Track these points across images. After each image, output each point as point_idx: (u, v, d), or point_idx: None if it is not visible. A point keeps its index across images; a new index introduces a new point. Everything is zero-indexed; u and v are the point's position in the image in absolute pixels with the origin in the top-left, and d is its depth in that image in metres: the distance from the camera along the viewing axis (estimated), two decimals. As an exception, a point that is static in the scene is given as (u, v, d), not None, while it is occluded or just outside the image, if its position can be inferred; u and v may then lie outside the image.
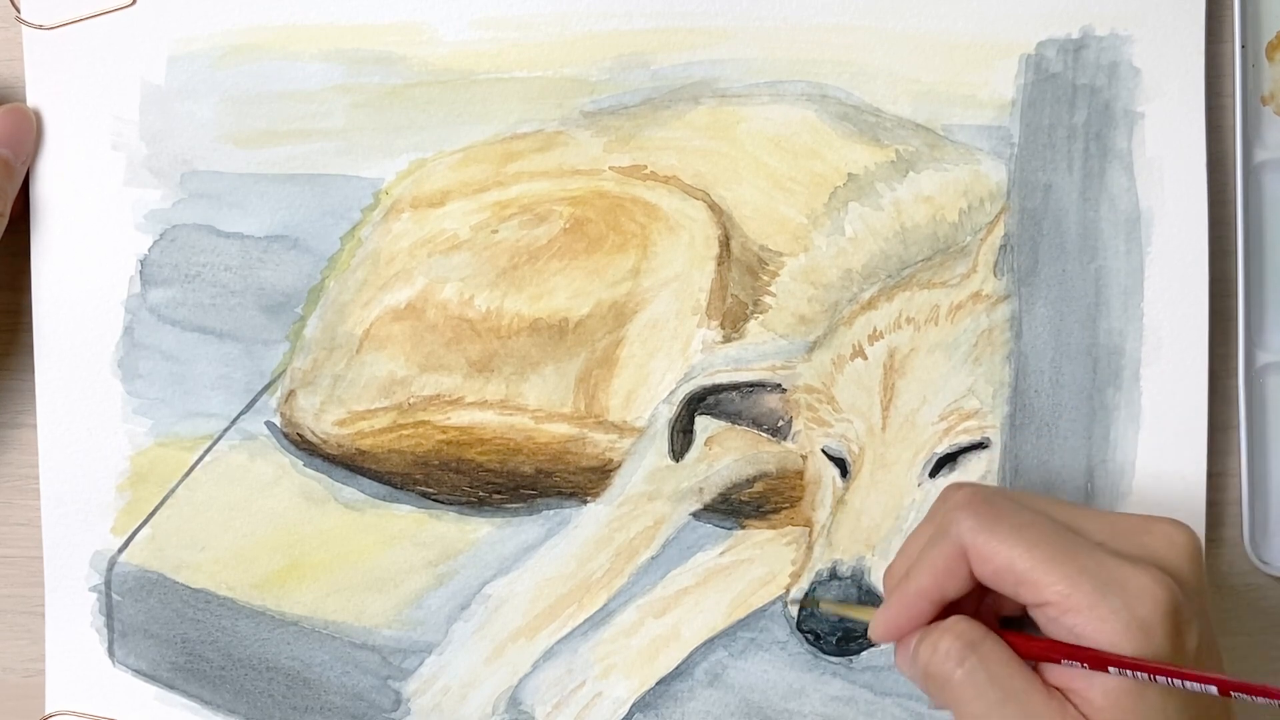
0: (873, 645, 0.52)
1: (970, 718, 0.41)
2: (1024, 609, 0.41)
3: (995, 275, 0.52)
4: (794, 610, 0.52)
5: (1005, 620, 0.44)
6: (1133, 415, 0.51)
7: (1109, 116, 0.51)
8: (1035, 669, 0.41)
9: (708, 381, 0.52)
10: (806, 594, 0.51)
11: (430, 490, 0.53)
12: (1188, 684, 0.38)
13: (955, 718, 0.42)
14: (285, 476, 0.53)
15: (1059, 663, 0.40)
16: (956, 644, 0.41)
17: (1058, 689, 0.40)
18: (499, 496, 0.53)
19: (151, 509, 0.53)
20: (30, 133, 0.52)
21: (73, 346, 0.53)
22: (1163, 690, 0.39)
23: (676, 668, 0.52)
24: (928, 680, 0.42)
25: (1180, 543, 0.41)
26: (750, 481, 0.52)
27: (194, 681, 0.53)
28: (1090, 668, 0.39)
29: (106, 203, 0.53)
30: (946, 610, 0.43)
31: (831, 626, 0.51)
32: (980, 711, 0.41)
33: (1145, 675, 0.38)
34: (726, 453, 0.52)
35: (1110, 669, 0.38)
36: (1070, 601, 0.39)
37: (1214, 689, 0.37)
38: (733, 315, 0.52)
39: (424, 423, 0.52)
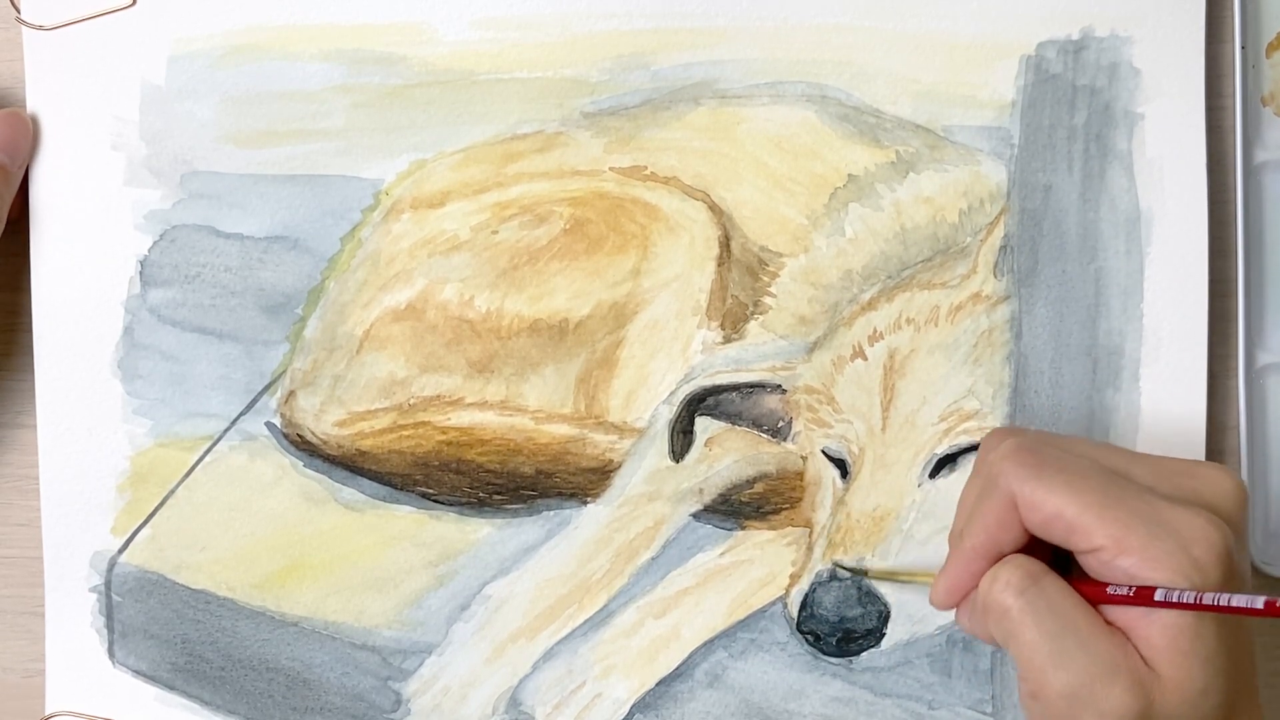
0: (874, 646, 0.52)
1: (1027, 646, 0.41)
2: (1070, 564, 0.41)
3: (995, 276, 0.52)
4: (840, 577, 0.51)
5: None
6: (1132, 416, 0.51)
7: (1109, 117, 0.51)
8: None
9: (708, 382, 0.52)
10: (849, 566, 0.51)
11: (430, 491, 0.53)
12: (1233, 602, 0.37)
13: (1013, 651, 0.41)
14: (285, 477, 0.53)
15: (1116, 602, 0.40)
16: (1017, 574, 0.41)
17: (1119, 629, 0.40)
18: (499, 497, 0.53)
19: (152, 509, 0.53)
20: (27, 138, 0.52)
21: (73, 346, 0.53)
22: (1219, 631, 0.39)
23: (676, 668, 0.52)
24: (987, 613, 0.42)
25: (1228, 488, 0.41)
26: (750, 482, 0.52)
27: (194, 682, 0.53)
28: (1144, 604, 0.39)
29: (106, 203, 0.53)
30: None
31: (832, 627, 0.51)
32: (1037, 640, 0.40)
33: (1195, 602, 0.38)
34: (727, 453, 0.52)
35: (1162, 598, 0.38)
36: (1123, 545, 0.39)
37: (1260, 604, 0.37)
38: (733, 316, 0.52)
39: (424, 423, 0.53)
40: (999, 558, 0.42)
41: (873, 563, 0.51)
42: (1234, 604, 0.38)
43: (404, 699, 0.53)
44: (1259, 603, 0.37)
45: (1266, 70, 0.52)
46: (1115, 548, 0.39)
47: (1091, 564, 0.40)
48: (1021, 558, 0.42)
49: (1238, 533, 0.41)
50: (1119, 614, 0.40)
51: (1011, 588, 0.41)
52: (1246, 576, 0.41)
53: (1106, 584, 0.40)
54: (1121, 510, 0.39)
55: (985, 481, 0.43)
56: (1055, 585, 0.41)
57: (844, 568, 0.51)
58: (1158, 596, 0.38)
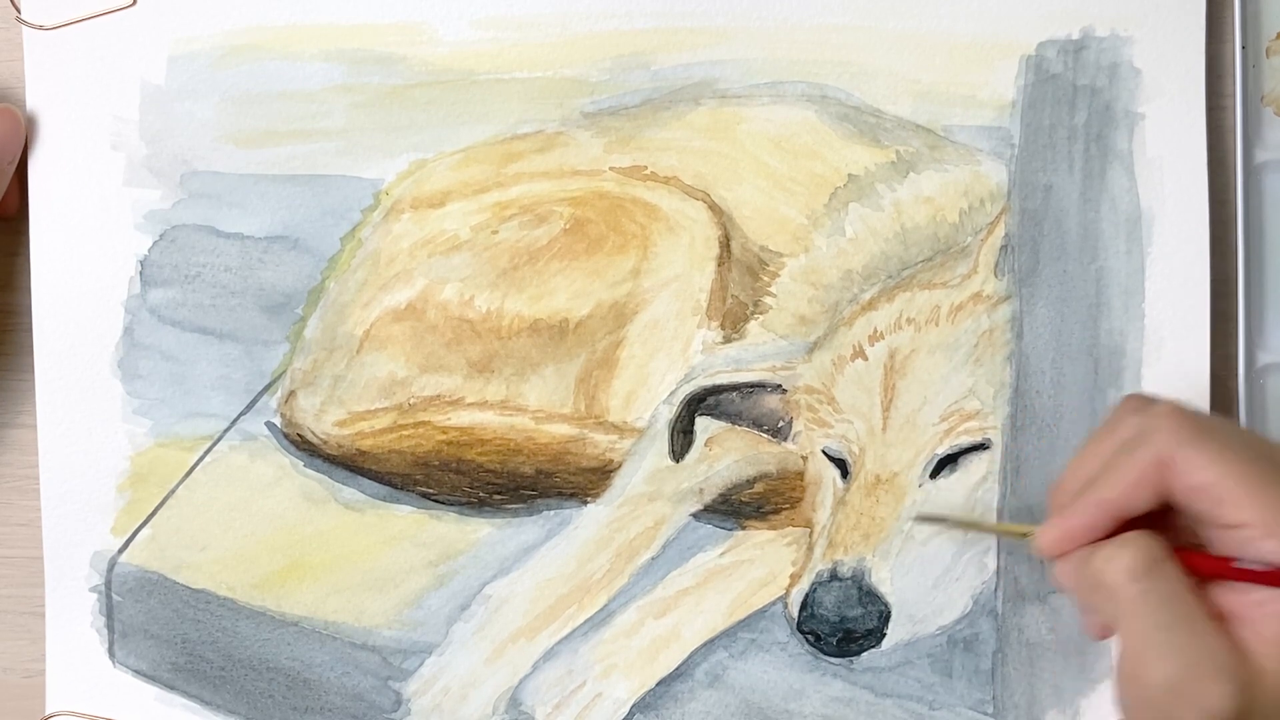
0: (874, 646, 0.51)
1: (1135, 635, 0.40)
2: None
3: (996, 276, 0.52)
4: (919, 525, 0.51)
5: None
6: (1133, 416, 0.51)
7: (1109, 117, 0.51)
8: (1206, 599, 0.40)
9: (708, 382, 0.52)
10: (930, 516, 0.50)
11: (430, 491, 0.53)
12: None
13: (1120, 634, 0.41)
14: (285, 477, 0.53)
15: (1235, 581, 0.39)
16: (1138, 558, 0.40)
17: (1227, 616, 0.40)
18: (499, 497, 0.53)
19: (152, 509, 0.53)
20: (18, 135, 0.52)
21: (73, 346, 0.53)
22: None
23: (677, 668, 0.52)
24: (1097, 590, 0.41)
25: None
26: (750, 482, 0.52)
27: (194, 682, 0.53)
28: (1263, 584, 0.38)
29: (106, 203, 0.53)
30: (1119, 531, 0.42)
31: (832, 628, 0.51)
32: (1147, 630, 0.40)
33: None
34: (727, 453, 0.52)
35: None
36: (1271, 527, 0.38)
37: None
38: (733, 316, 0.52)
39: (424, 423, 0.52)
40: (1123, 519, 0.42)
41: (873, 562, 0.51)
42: None
43: (404, 699, 0.53)
44: None
45: (1266, 70, 0.52)
46: (1263, 528, 0.39)
47: (1228, 541, 0.40)
48: (1144, 538, 0.41)
49: None
50: (1232, 601, 0.40)
51: (1129, 572, 0.40)
52: None
53: (1233, 559, 0.39)
54: (1277, 492, 0.39)
55: (1136, 436, 0.41)
56: (1173, 574, 0.40)
57: (927, 517, 0.50)
58: None
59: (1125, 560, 0.41)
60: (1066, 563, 0.43)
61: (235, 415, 0.53)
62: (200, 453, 0.53)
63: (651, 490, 0.52)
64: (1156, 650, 0.40)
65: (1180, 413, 0.41)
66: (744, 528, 0.52)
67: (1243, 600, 0.40)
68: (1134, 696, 0.41)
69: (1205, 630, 0.39)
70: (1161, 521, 0.42)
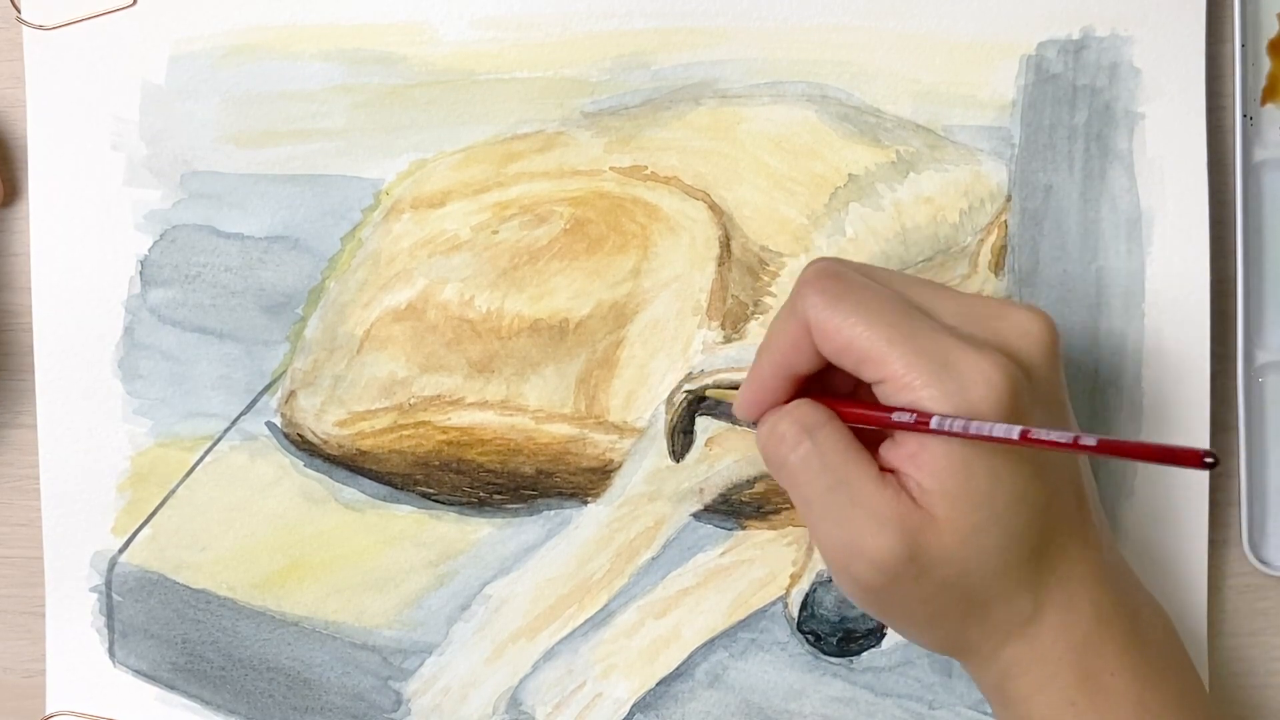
0: (874, 646, 0.52)
1: (802, 501, 0.42)
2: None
3: (996, 276, 0.52)
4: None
5: None
6: (1133, 415, 0.51)
7: (1109, 117, 0.51)
8: (875, 455, 0.41)
9: (709, 382, 0.52)
10: (691, 389, 0.51)
11: (431, 491, 0.53)
12: (993, 431, 0.38)
13: (792, 499, 0.43)
14: (286, 477, 0.53)
15: (899, 428, 0.40)
16: (793, 428, 0.42)
17: (891, 472, 0.41)
18: (499, 497, 0.53)
19: (152, 509, 0.53)
20: None
21: (73, 346, 0.53)
22: (990, 471, 0.39)
23: (677, 668, 0.52)
24: (766, 461, 0.43)
25: (1034, 331, 0.41)
26: (751, 482, 0.52)
27: (194, 682, 0.53)
28: (920, 430, 0.39)
29: (106, 203, 0.53)
30: (812, 387, 0.43)
31: (832, 627, 0.51)
32: (811, 496, 0.41)
33: (962, 431, 0.38)
34: (727, 453, 0.52)
35: (937, 425, 0.39)
36: (905, 380, 0.39)
37: (1015, 434, 0.38)
38: (733, 316, 0.52)
39: (424, 423, 0.53)
40: (794, 379, 0.43)
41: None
42: (994, 434, 0.38)
43: (404, 699, 0.53)
44: (1015, 433, 0.38)
45: (1267, 70, 0.52)
46: (897, 382, 0.40)
47: (879, 395, 0.41)
48: (802, 406, 0.42)
49: (1040, 376, 0.41)
50: (895, 455, 0.41)
51: (787, 442, 0.42)
52: (1050, 421, 0.41)
53: (893, 409, 0.40)
54: (909, 346, 0.39)
55: (789, 301, 0.43)
56: (831, 439, 0.41)
57: (689, 391, 0.51)
58: (933, 424, 0.39)
59: (781, 428, 0.42)
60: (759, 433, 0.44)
61: (236, 415, 0.53)
62: (201, 453, 0.53)
63: (652, 490, 0.52)
64: (824, 514, 0.41)
65: (822, 276, 0.42)
66: (744, 528, 0.52)
67: (899, 454, 0.40)
68: (829, 567, 0.42)
69: (865, 487, 0.40)
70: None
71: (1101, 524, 0.44)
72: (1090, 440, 0.37)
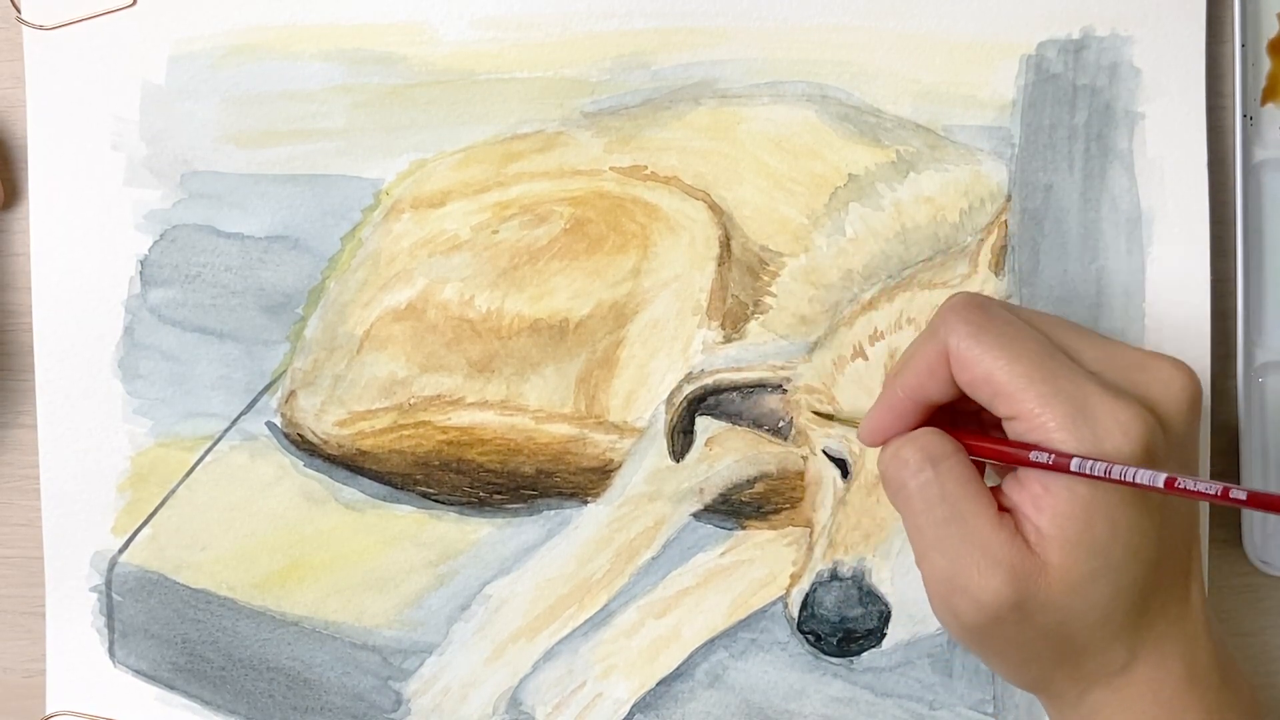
0: (875, 646, 0.52)
1: (915, 529, 0.41)
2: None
3: (996, 276, 0.52)
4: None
5: None
6: (1133, 415, 0.51)
7: (1110, 117, 0.51)
8: (997, 493, 0.41)
9: (708, 382, 0.52)
10: (821, 413, 0.51)
11: (431, 490, 0.53)
12: (1139, 477, 0.37)
13: (904, 524, 0.42)
14: (286, 477, 0.53)
15: (1019, 465, 0.39)
16: (917, 455, 0.41)
17: (1007, 512, 0.40)
18: (499, 497, 0.53)
19: (152, 509, 0.53)
20: None
21: (73, 346, 0.53)
22: (1110, 522, 0.39)
23: (677, 668, 0.52)
24: (885, 484, 0.42)
25: (1176, 385, 0.40)
26: (751, 482, 0.52)
27: (194, 682, 0.53)
28: (1059, 470, 0.38)
29: (106, 203, 0.53)
30: (943, 418, 0.43)
31: (832, 627, 0.51)
32: (925, 525, 0.41)
33: (1104, 475, 0.37)
34: (727, 453, 0.52)
35: (1077, 468, 0.38)
36: (1039, 419, 0.39)
37: (1160, 483, 0.37)
38: (733, 315, 0.52)
39: (424, 423, 0.53)
40: (927, 406, 0.42)
41: (874, 562, 0.51)
42: (1138, 480, 0.37)
43: (404, 699, 0.53)
44: (1160, 480, 0.37)
45: (1267, 69, 0.52)
46: (1030, 420, 0.39)
47: (1010, 433, 0.40)
48: (928, 434, 0.42)
49: (1177, 432, 0.40)
50: (1018, 495, 0.40)
51: (909, 467, 0.41)
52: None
53: (1031, 447, 0.39)
54: (1048, 386, 0.39)
55: (929, 328, 0.42)
56: (954, 470, 0.41)
57: (819, 412, 0.51)
58: (1072, 465, 0.38)
59: (905, 454, 0.41)
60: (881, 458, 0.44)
61: (236, 415, 0.53)
62: (201, 453, 0.53)
63: (652, 490, 0.52)
64: (933, 545, 0.40)
65: (969, 305, 0.41)
66: (744, 528, 0.52)
67: (1023, 495, 0.40)
68: (929, 595, 0.41)
69: (982, 526, 0.39)
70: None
71: (1202, 582, 0.43)
72: (1240, 494, 0.35)
